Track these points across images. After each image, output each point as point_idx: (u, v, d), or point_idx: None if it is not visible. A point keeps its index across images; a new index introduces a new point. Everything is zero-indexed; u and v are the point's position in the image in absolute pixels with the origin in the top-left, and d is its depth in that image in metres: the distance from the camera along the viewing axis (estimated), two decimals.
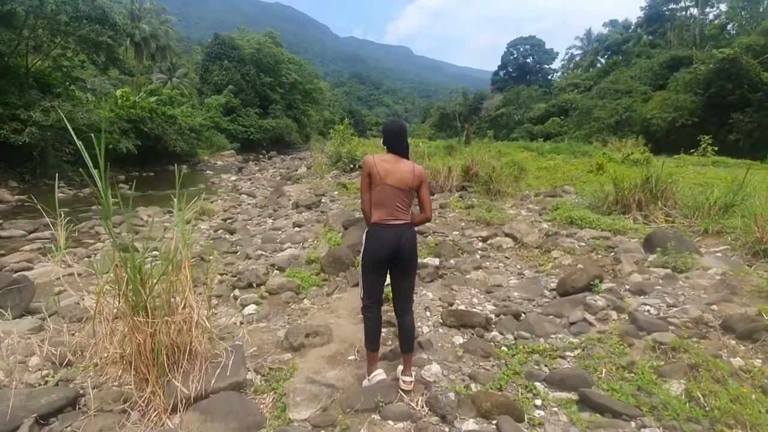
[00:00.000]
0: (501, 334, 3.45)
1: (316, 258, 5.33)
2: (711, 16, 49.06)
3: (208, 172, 24.95)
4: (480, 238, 6.65)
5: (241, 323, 4.01)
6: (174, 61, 49.76)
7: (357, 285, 4.70)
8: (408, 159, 2.80)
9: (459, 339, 3.36)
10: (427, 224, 7.47)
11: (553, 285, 4.62)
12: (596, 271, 4.16)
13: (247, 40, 48.65)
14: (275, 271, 5.28)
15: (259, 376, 3.01)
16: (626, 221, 6.62)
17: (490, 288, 4.55)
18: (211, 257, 6.46)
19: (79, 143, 2.58)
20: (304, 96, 54.71)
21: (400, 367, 2.84)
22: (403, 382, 2.70)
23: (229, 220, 9.36)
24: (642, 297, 4.05)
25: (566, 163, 15.25)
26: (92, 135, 2.71)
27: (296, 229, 7.80)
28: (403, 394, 2.64)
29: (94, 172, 2.54)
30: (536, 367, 2.90)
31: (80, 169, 2.49)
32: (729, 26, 46.44)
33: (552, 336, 3.36)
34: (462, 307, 3.96)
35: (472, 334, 3.44)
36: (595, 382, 2.65)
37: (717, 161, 17.02)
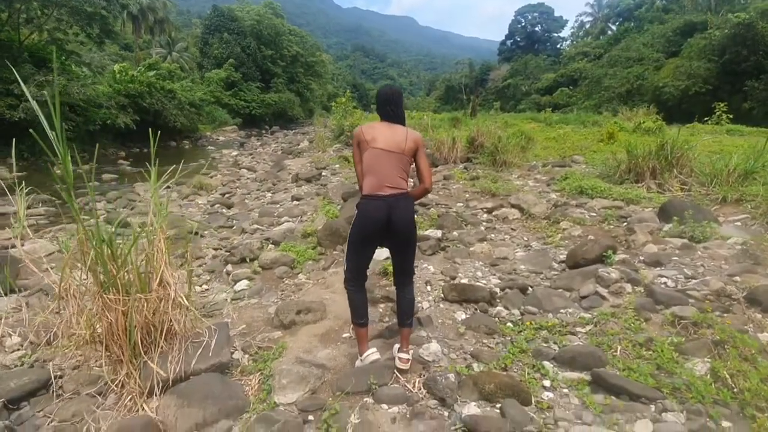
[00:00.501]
0: (506, 309, 3.21)
1: (312, 231, 5.09)
2: None
3: (209, 147, 24.63)
4: (485, 210, 6.37)
5: (232, 299, 3.81)
6: (173, 35, 48.68)
7: None
8: (404, 126, 2.55)
9: (461, 315, 3.13)
10: (430, 196, 7.21)
11: (562, 257, 4.36)
12: (609, 242, 3.89)
13: (246, 12, 47.37)
14: (270, 246, 5.06)
15: (246, 356, 2.81)
16: (639, 190, 6.30)
17: (495, 261, 4.30)
18: (205, 231, 6.26)
19: (33, 103, 2.30)
20: (307, 69, 53.59)
21: (397, 345, 2.62)
22: (399, 359, 2.48)
23: (227, 195, 9.13)
24: (658, 268, 3.79)
25: (575, 133, 14.76)
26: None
27: (295, 202, 7.55)
28: (398, 375, 2.43)
29: (51, 134, 2.27)
30: (545, 344, 2.68)
31: (30, 130, 2.22)
32: None
33: (561, 311, 3.12)
34: (465, 281, 3.72)
35: (476, 309, 3.21)
36: (609, 361, 2.41)
37: (732, 129, 16.38)
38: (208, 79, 39.34)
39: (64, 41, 18.83)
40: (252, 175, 11.89)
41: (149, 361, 2.36)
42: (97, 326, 2.44)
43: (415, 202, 2.65)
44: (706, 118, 18.17)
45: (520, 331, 2.87)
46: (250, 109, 40.73)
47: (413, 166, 2.55)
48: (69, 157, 2.29)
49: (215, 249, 5.46)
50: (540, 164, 9.56)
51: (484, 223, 5.83)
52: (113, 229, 2.44)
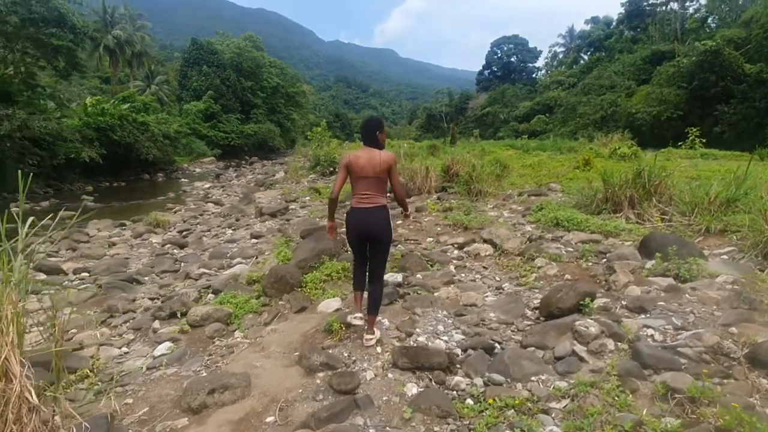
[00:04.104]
0: (468, 377, 2.68)
1: (259, 277, 4.52)
2: (691, 10, 49.10)
3: (183, 180, 23.96)
4: (456, 246, 5.90)
5: (148, 368, 3.18)
6: (152, 68, 48.44)
7: (301, 311, 3.93)
8: (380, 148, 3.14)
9: (412, 388, 2.57)
10: (399, 230, 6.79)
11: (537, 301, 3.87)
12: (586, 287, 3.40)
13: (226, 45, 47.69)
14: (210, 295, 4.46)
15: None
16: (618, 221, 5.90)
17: (462, 309, 3.78)
18: (146, 277, 5.62)
19: None
20: (287, 100, 53.76)
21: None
22: (366, 339, 3.13)
23: (185, 232, 8.50)
24: (643, 316, 3.32)
25: (552, 160, 14.61)
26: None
27: (253, 240, 6.97)
28: None
29: None
30: None
31: None
32: (709, 19, 46.53)
33: (533, 378, 2.60)
34: (422, 339, 3.18)
35: (430, 379, 2.66)
36: None
37: (705, 153, 16.50)
38: (186, 111, 38.96)
39: (29, 74, 18.27)
40: (218, 209, 11.29)
41: None
42: None
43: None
44: (679, 143, 18.36)
45: (482, 411, 2.32)
46: (230, 140, 40.33)
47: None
48: None
49: (152, 299, 4.82)
50: (516, 193, 9.21)
51: (454, 261, 5.34)
52: None
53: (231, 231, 8.15)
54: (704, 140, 18.13)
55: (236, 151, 40.97)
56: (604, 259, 4.72)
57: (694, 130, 17.95)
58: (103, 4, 41.01)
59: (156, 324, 3.93)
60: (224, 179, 22.40)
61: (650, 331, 3.04)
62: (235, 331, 3.69)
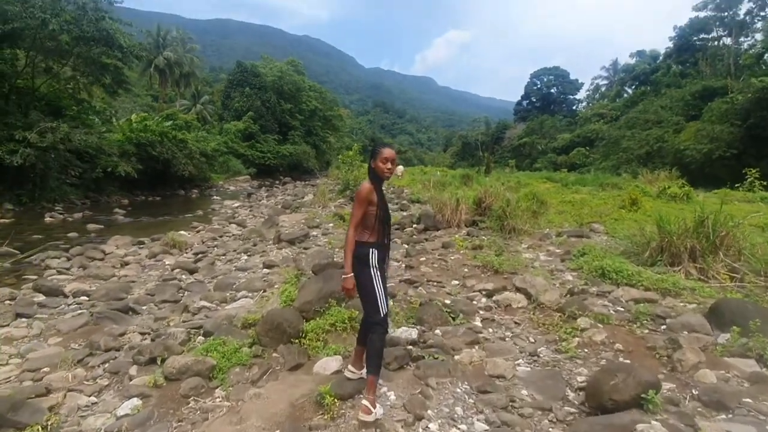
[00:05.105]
0: None
1: (255, 320, 3.99)
2: (745, 46, 46.88)
3: (215, 197, 24.21)
4: (484, 292, 5.21)
5: None
6: (199, 89, 50.51)
7: (295, 368, 3.35)
8: (372, 177, 2.81)
9: None
10: (422, 270, 6.23)
11: (581, 378, 3.16)
12: (650, 376, 2.66)
13: (269, 68, 49.22)
14: (200, 338, 3.96)
15: None
16: (677, 276, 5.07)
17: (487, 382, 3.10)
18: (143, 307, 5.20)
19: None
20: (324, 123, 54.72)
21: None
22: (362, 409, 2.59)
23: (199, 255, 8.15)
24: (723, 416, 2.58)
25: (594, 197, 13.64)
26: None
27: (265, 270, 6.50)
28: None
29: None
30: None
31: None
32: (766, 56, 44.21)
33: None
34: (434, 427, 2.53)
35: None
36: None
37: (766, 197, 15.05)
38: (226, 130, 40.08)
39: (76, 90, 19.05)
40: (239, 231, 10.98)
41: None
42: None
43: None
44: (736, 184, 16.97)
45: None
46: (265, 159, 41.09)
47: (373, 214, 2.73)
48: None
49: (143, 334, 4.38)
50: (554, 233, 8.42)
51: (480, 312, 4.65)
52: None
53: (246, 257, 7.73)
54: (764, 182, 16.65)
55: (271, 170, 41.63)
56: (664, 326, 3.93)
57: (753, 171, 16.52)
58: (158, 27, 43.33)
59: (133, 370, 3.45)
60: (254, 199, 22.43)
61: None
62: (216, 388, 3.14)
